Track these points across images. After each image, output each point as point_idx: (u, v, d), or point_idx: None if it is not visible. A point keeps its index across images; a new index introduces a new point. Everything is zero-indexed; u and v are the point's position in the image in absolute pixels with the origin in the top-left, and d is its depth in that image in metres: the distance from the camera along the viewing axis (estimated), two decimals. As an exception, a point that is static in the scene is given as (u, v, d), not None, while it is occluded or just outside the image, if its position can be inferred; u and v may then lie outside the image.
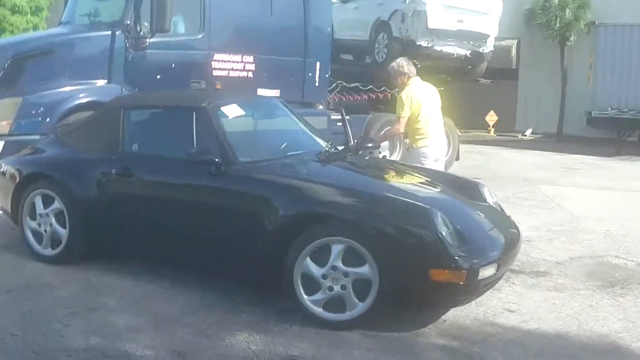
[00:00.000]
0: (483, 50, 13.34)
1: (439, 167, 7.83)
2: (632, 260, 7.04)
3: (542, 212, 9.50)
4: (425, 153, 7.75)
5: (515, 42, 22.01)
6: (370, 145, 6.93)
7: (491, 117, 22.39)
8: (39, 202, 6.34)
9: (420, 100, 7.77)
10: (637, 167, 15.32)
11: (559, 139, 21.04)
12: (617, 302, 5.78)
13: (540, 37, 21.89)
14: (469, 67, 13.76)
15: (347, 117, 7.60)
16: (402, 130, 7.80)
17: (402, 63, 7.99)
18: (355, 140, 6.97)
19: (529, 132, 22.76)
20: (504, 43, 19.82)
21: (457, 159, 13.67)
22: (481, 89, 17.00)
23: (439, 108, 8.13)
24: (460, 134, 14.21)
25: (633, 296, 5.95)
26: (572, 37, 21.28)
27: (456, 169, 11.86)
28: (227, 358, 4.45)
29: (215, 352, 4.52)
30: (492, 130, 22.65)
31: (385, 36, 12.85)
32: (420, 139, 7.77)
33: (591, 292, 6.03)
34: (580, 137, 20.49)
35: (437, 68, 13.64)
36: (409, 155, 8.00)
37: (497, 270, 5.02)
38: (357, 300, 4.87)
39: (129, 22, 8.92)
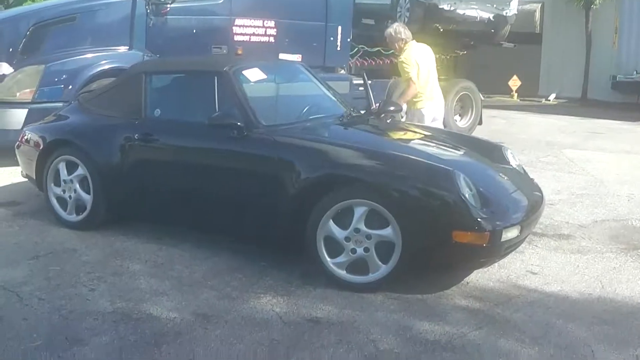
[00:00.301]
0: (506, 13, 13.18)
1: (438, 126, 7.96)
2: (656, 224, 7.00)
3: (565, 175, 9.44)
4: (423, 114, 7.89)
5: (540, 5, 21.70)
6: (392, 108, 6.90)
7: (514, 82, 22.17)
8: (63, 168, 6.39)
9: (419, 62, 7.90)
10: (662, 131, 15.14)
11: (582, 104, 20.82)
12: (641, 265, 5.76)
13: (564, 0, 21.60)
14: (492, 30, 13.59)
15: (369, 82, 7.59)
16: (417, 90, 7.82)
17: (399, 29, 8.09)
18: (377, 104, 6.94)
19: (552, 96, 22.53)
20: (527, 7, 19.60)
21: (480, 123, 13.61)
22: (504, 53, 16.83)
23: (434, 69, 8.25)
24: (483, 99, 14.12)
25: (657, 259, 5.92)
26: (597, 1, 20.96)
27: (479, 133, 11.79)
28: (250, 320, 4.47)
29: (239, 315, 4.55)
30: (515, 95, 22.44)
31: (407, 0, 12.73)
32: (418, 100, 7.90)
33: (615, 254, 6.00)
34: (604, 101, 20.26)
35: (460, 32, 13.55)
36: (407, 117, 8.03)
37: (520, 233, 4.99)
38: (380, 263, 4.88)
39: (150, -12, 8.92)
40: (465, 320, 4.57)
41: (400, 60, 7.96)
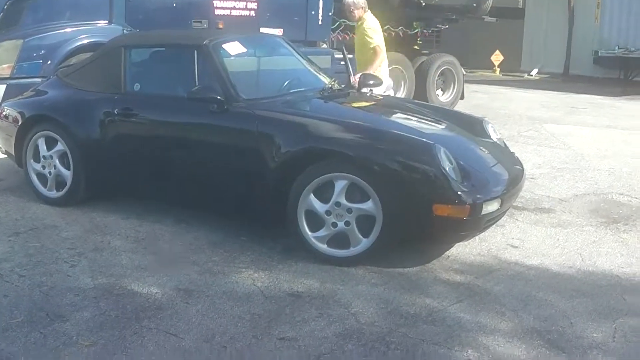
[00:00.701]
0: (489, -13, 13.18)
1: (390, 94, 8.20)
2: (636, 198, 7.04)
3: (546, 150, 9.48)
4: (385, 82, 7.98)
5: (522, -20, 21.72)
6: (372, 82, 6.88)
7: (497, 57, 22.20)
8: (42, 144, 6.34)
9: (378, 31, 8.10)
10: (643, 106, 15.22)
11: (565, 79, 20.88)
12: (620, 238, 5.79)
13: (547, -25, 21.63)
14: (474, 5, 13.60)
15: (350, 56, 7.54)
16: (384, 57, 7.98)
17: None
18: (357, 78, 6.92)
19: (534, 71, 22.59)
20: (510, -19, 19.57)
21: (462, 98, 13.65)
22: (486, 28, 16.85)
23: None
24: (465, 73, 14.14)
25: (636, 232, 5.96)
26: (580, -24, 20.99)
27: (461, 108, 11.82)
28: (232, 295, 4.47)
29: (221, 289, 4.55)
30: (498, 69, 22.49)
31: (390, -26, 12.67)
32: (382, 68, 8.06)
33: (595, 228, 6.04)
34: (586, 77, 20.34)
35: (442, 6, 13.54)
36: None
37: (500, 206, 5.01)
38: (360, 236, 4.89)
39: (129, -39, 8.82)
40: (446, 293, 4.59)
41: (365, 28, 8.07)
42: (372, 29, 8.04)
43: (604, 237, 5.83)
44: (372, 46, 7.96)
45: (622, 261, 5.27)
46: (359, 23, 8.22)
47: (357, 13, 8.11)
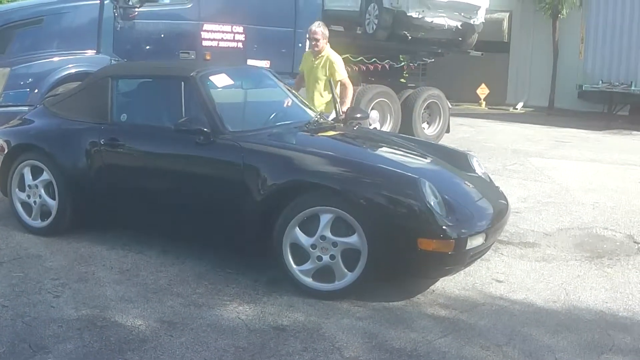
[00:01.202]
0: (474, 21, 13.28)
1: None
2: (620, 232, 7.07)
3: (531, 183, 9.52)
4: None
5: (507, 14, 21.94)
6: (359, 115, 6.91)
7: (482, 90, 22.34)
8: (27, 173, 6.32)
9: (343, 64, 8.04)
10: (626, 140, 15.32)
11: (550, 113, 21.03)
12: (604, 273, 5.82)
13: (532, 9, 21.83)
14: (460, 38, 13.73)
15: (337, 90, 7.58)
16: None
17: (324, 27, 8.12)
18: (344, 111, 6.95)
19: (520, 105, 22.74)
20: (495, 15, 19.76)
21: (448, 131, 13.71)
22: (472, 62, 16.99)
23: None
24: (451, 107, 14.22)
25: (620, 267, 5.98)
26: (564, 10, 21.16)
27: (446, 141, 11.87)
28: (216, 327, 4.46)
29: (205, 322, 4.54)
30: (483, 103, 22.61)
31: (376, 7, 12.80)
32: (329, 104, 7.83)
33: (579, 262, 6.06)
34: (571, 110, 20.49)
35: (428, 39, 13.66)
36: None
37: (485, 240, 5.03)
38: (346, 270, 4.89)
39: (117, -9, 8.87)
40: (430, 327, 4.59)
41: (333, 61, 7.93)
42: (339, 62, 7.96)
43: (588, 271, 5.85)
44: (340, 77, 7.90)
45: (607, 296, 5.29)
46: (322, 55, 8.02)
47: (322, 44, 7.97)
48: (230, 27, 10.01)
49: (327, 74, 7.92)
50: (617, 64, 19.45)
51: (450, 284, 5.36)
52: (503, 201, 5.73)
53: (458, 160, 6.11)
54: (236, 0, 10.17)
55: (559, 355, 4.25)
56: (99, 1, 8.88)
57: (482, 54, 15.05)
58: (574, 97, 20.49)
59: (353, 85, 8.38)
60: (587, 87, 19.80)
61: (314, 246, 4.91)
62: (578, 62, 20.80)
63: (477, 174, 5.98)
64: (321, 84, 8.02)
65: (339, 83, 7.93)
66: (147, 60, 8.73)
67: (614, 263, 6.08)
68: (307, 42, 8.62)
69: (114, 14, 8.87)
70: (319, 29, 8.02)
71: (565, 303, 5.12)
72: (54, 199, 6.18)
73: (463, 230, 4.83)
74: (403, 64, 14.22)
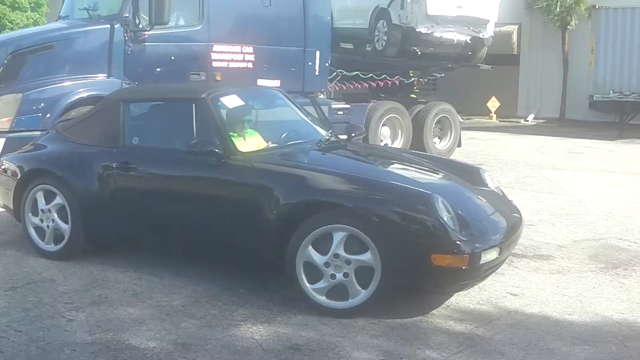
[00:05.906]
0: (483, 35, 13.29)
1: None
2: (635, 242, 7.04)
3: (544, 196, 9.49)
4: None
5: (516, 27, 22.00)
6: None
7: (493, 103, 22.34)
8: (40, 198, 6.34)
9: None
10: (639, 150, 15.27)
11: (561, 124, 21.00)
12: (620, 284, 5.78)
13: (541, 21, 21.85)
14: (469, 53, 13.73)
15: (348, 106, 7.57)
16: None
17: None
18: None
19: (531, 117, 22.72)
20: (504, 28, 19.83)
21: (459, 145, 13.71)
22: (482, 75, 16.96)
23: None
24: (462, 121, 14.21)
25: (636, 277, 5.95)
26: (573, 22, 21.20)
27: (458, 155, 11.87)
28: (231, 348, 4.45)
29: (220, 343, 4.53)
30: (494, 116, 22.61)
31: (385, 24, 12.81)
32: None
33: (594, 274, 6.03)
34: (582, 121, 20.47)
35: (438, 55, 13.68)
36: None
37: (499, 254, 5.01)
38: (359, 288, 4.87)
39: (127, 15, 8.95)
40: (446, 343, 4.57)
41: None
42: None
43: (603, 282, 5.82)
44: None
45: (623, 307, 5.26)
46: None
47: None
48: (240, 47, 10.06)
49: None
50: (628, 73, 19.46)
51: (465, 299, 5.34)
52: (516, 214, 5.71)
53: (470, 175, 6.10)
54: (245, 20, 10.19)
55: (577, 369, 4.22)
56: (109, 25, 8.94)
57: (492, 68, 15.06)
58: (585, 108, 20.49)
59: (363, 102, 8.35)
60: (598, 97, 19.80)
61: (327, 264, 4.90)
62: (588, 73, 20.79)
63: (489, 188, 5.96)
64: None
65: None
66: (158, 83, 8.76)
67: (629, 274, 6.04)
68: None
69: (124, 37, 8.94)
70: None
71: (581, 315, 5.09)
72: (67, 223, 6.20)
73: (477, 245, 4.81)
74: (413, 79, 14.24)
